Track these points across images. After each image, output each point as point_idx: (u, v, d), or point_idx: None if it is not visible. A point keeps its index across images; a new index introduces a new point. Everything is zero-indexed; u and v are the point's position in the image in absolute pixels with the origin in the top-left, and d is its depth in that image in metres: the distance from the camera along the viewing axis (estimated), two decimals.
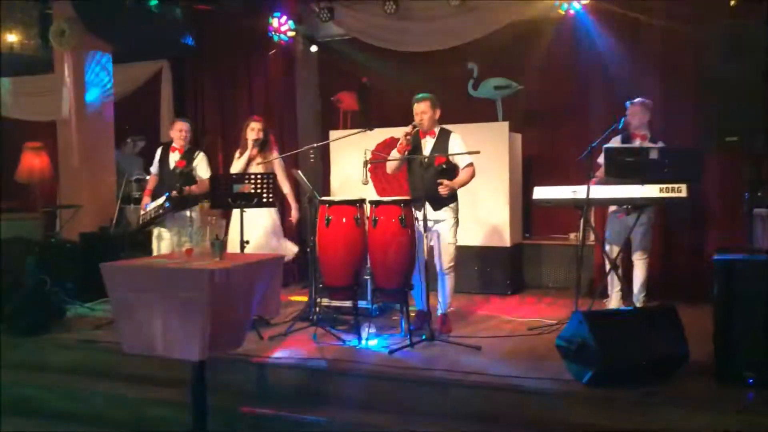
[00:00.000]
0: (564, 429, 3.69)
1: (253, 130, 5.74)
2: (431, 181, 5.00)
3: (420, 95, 5.16)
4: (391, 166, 5.29)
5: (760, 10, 5.20)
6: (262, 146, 5.77)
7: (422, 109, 5.10)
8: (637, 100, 5.40)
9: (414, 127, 5.05)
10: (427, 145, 5.17)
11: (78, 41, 7.31)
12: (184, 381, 3.84)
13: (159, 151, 6.15)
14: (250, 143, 5.73)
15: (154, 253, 5.90)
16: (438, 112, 5.16)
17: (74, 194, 7.29)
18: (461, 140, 5.14)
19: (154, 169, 6.15)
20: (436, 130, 5.19)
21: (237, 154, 5.86)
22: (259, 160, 5.77)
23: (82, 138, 7.44)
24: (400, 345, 4.69)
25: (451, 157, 5.06)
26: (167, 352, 3.49)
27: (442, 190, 4.98)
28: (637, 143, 5.35)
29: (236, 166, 5.77)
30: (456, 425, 3.84)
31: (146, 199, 6.01)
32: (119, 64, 7.95)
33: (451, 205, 5.17)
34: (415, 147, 5.13)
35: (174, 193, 5.61)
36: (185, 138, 5.94)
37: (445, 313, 5.24)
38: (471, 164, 5.09)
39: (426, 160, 5.05)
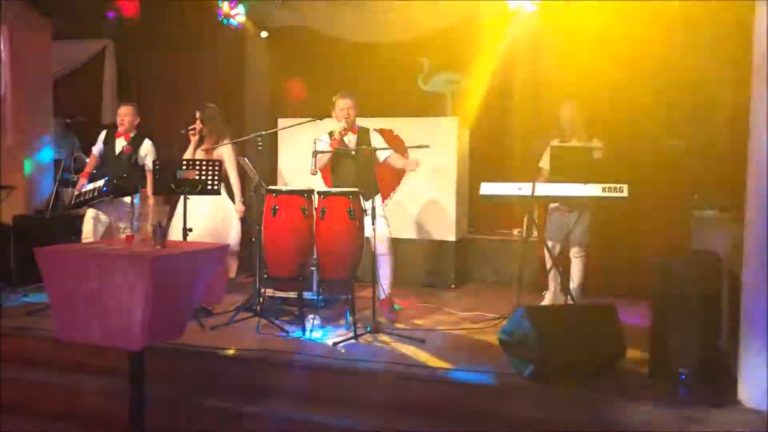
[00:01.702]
0: (505, 422, 3.74)
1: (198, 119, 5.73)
2: (364, 172, 5.15)
3: (343, 92, 5.33)
4: (321, 161, 5.31)
5: (705, 11, 5.37)
6: (210, 133, 5.72)
7: (349, 105, 5.26)
8: (570, 101, 5.53)
9: (346, 125, 5.23)
10: (351, 140, 5.32)
11: (15, 15, 7.00)
12: (121, 370, 3.73)
13: (104, 134, 5.99)
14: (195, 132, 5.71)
15: (86, 234, 5.71)
16: (357, 110, 5.34)
17: (8, 175, 7.00)
18: (379, 135, 5.44)
19: (96, 150, 5.96)
20: (356, 127, 5.36)
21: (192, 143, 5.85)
22: (205, 146, 5.70)
23: (18, 117, 7.14)
24: (344, 337, 4.68)
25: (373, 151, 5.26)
26: (105, 341, 3.39)
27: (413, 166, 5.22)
28: (573, 142, 5.46)
29: (187, 155, 5.75)
30: (398, 418, 3.84)
31: (83, 180, 5.84)
32: (60, 40, 7.66)
33: (378, 195, 5.36)
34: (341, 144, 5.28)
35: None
36: (129, 123, 5.80)
37: (388, 295, 5.32)
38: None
39: (354, 153, 5.21)
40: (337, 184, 5.29)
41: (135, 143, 5.79)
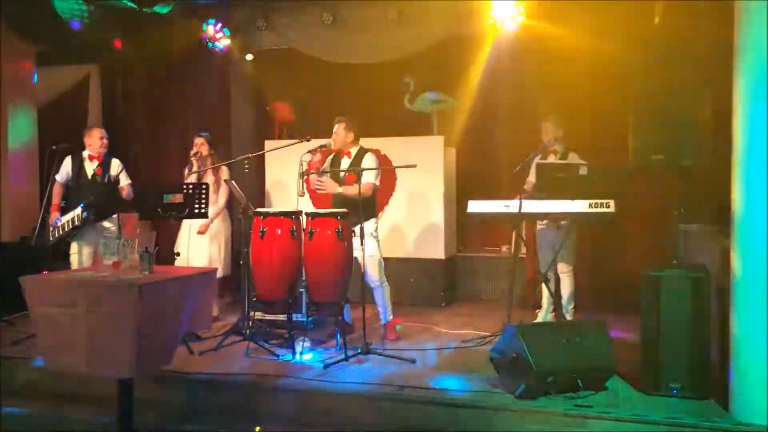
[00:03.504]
0: None
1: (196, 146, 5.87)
2: (348, 198, 5.07)
3: (338, 117, 5.36)
4: (312, 184, 5.37)
5: (684, 28, 5.45)
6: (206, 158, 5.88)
7: (335, 130, 5.33)
8: (549, 117, 5.57)
9: (321, 147, 5.25)
10: (343, 164, 5.32)
11: None
12: (109, 398, 3.68)
13: (69, 161, 5.78)
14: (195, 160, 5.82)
15: (75, 267, 5.68)
16: (351, 135, 5.32)
17: None
18: (373, 159, 5.28)
19: (61, 178, 5.76)
20: (353, 150, 5.32)
21: (186, 171, 5.91)
22: (198, 169, 5.80)
23: (2, 144, 7.10)
24: (334, 359, 4.65)
25: (362, 175, 5.12)
26: (92, 370, 3.34)
27: (318, 184, 5.14)
28: (550, 158, 5.50)
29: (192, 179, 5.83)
30: None
31: (55, 213, 5.68)
32: (45, 66, 7.65)
33: (370, 221, 5.26)
34: (335, 166, 5.32)
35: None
36: (105, 146, 5.78)
37: (390, 320, 5.37)
38: (371, 183, 5.18)
39: (342, 176, 5.19)
40: (334, 206, 5.25)
41: (105, 165, 5.77)
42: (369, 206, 5.28)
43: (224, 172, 5.86)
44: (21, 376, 4.65)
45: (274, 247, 4.85)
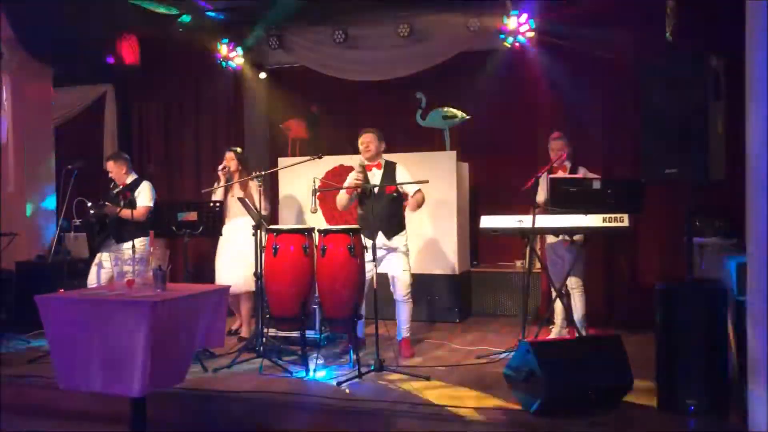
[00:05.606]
0: None
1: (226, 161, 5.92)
2: (384, 210, 5.08)
3: (364, 129, 5.34)
4: (341, 204, 5.39)
5: (695, 45, 5.44)
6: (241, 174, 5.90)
7: (369, 140, 5.27)
8: (555, 134, 5.55)
9: (362, 166, 5.20)
10: (375, 176, 5.29)
11: (17, 64, 7.10)
12: (123, 417, 3.70)
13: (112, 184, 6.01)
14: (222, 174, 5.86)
15: (91, 278, 5.73)
16: (383, 145, 5.33)
17: (11, 221, 7.02)
18: (406, 170, 5.30)
19: None
20: (382, 162, 5.32)
21: (215, 185, 5.96)
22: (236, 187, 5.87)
23: (20, 164, 7.19)
24: (348, 376, 4.63)
25: (399, 187, 5.20)
26: (106, 388, 3.36)
27: (411, 206, 5.16)
28: (558, 174, 5.48)
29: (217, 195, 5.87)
30: None
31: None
32: (61, 87, 7.76)
33: (402, 233, 5.29)
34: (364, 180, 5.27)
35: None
36: (117, 177, 5.81)
37: (405, 337, 5.35)
38: (420, 189, 5.24)
39: (377, 190, 5.16)
40: (360, 223, 5.24)
41: (130, 188, 5.78)
42: (399, 220, 5.31)
43: (237, 190, 5.89)
44: (35, 394, 4.67)
45: (287, 264, 4.86)
